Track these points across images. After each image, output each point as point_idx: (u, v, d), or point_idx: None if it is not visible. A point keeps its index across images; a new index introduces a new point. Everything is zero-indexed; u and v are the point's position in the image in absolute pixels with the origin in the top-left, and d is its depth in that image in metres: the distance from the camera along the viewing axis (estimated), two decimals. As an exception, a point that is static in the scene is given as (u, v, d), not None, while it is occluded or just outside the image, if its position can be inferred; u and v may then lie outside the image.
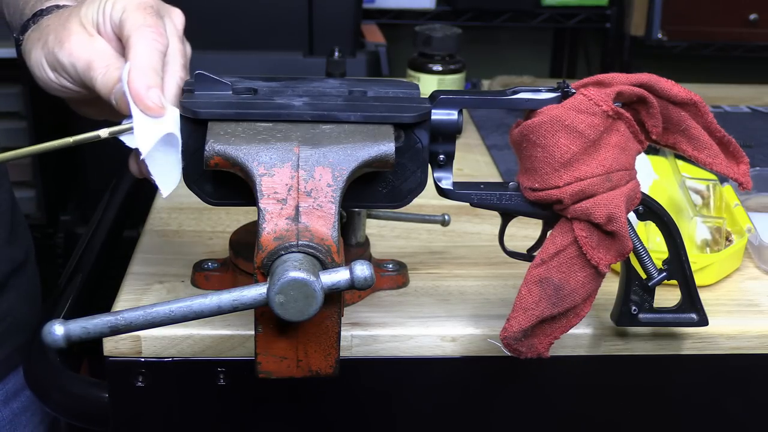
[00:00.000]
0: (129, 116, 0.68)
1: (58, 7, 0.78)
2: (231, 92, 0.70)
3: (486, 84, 1.49)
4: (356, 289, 0.59)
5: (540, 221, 0.76)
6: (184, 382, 0.79)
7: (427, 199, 0.78)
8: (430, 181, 0.73)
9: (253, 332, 0.63)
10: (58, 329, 0.58)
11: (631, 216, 0.73)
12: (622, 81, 0.71)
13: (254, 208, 0.63)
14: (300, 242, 0.60)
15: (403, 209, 0.74)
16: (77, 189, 1.85)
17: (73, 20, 0.73)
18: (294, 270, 0.57)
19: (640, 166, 0.73)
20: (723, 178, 0.93)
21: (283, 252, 0.60)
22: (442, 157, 0.73)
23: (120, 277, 0.85)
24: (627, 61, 2.15)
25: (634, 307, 0.76)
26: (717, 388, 0.85)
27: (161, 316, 0.59)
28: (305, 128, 0.67)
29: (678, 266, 0.75)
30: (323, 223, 0.61)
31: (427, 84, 1.19)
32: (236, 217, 0.96)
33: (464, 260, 0.91)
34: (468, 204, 0.74)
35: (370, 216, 0.88)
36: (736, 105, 1.46)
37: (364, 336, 0.78)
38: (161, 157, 0.68)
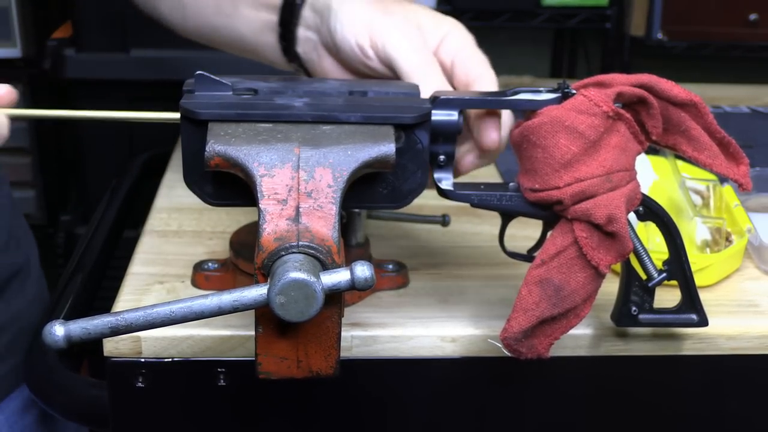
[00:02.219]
0: None
1: None
2: (231, 93, 0.70)
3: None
4: (357, 290, 0.59)
5: (540, 222, 0.76)
6: (185, 382, 0.79)
7: (427, 200, 0.78)
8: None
9: (253, 333, 0.63)
10: (58, 330, 0.58)
11: (632, 216, 0.73)
12: (623, 82, 0.71)
13: (254, 208, 0.63)
14: (300, 243, 0.60)
15: (403, 210, 0.74)
16: (77, 189, 1.85)
17: None
18: (294, 271, 0.57)
19: (640, 166, 0.73)
20: (723, 179, 0.93)
21: (283, 253, 0.60)
22: (442, 157, 0.73)
23: (120, 277, 0.85)
24: (627, 61, 2.15)
25: (634, 308, 0.76)
26: (717, 388, 0.85)
27: (162, 317, 0.59)
28: (306, 129, 0.67)
29: (678, 267, 0.75)
30: (324, 224, 0.61)
31: (427, 84, 1.19)
32: (236, 217, 0.96)
33: (464, 261, 0.91)
34: (468, 204, 0.74)
35: (370, 216, 0.88)
36: (736, 105, 1.46)
37: (364, 336, 0.78)
38: None
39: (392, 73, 0.74)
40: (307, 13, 0.79)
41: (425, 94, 0.72)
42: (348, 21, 0.74)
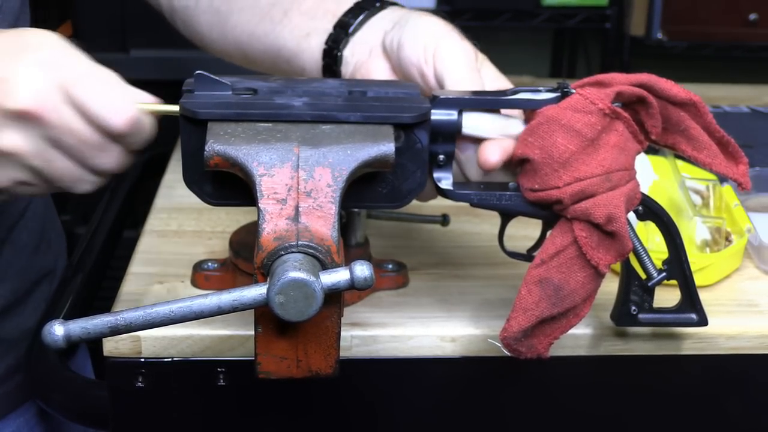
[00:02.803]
0: None
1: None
2: (231, 92, 0.70)
3: (486, 84, 1.49)
4: (356, 290, 0.59)
5: (539, 221, 0.76)
6: (184, 382, 0.79)
7: (426, 199, 0.78)
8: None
9: (252, 332, 0.63)
10: (58, 329, 0.58)
11: (631, 216, 0.73)
12: (622, 81, 0.71)
13: (254, 208, 0.63)
14: (300, 242, 0.60)
15: (402, 209, 0.74)
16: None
17: None
18: (294, 270, 0.57)
19: (639, 166, 0.73)
20: (723, 178, 0.93)
21: (283, 252, 0.60)
22: (442, 157, 0.73)
23: (120, 277, 0.85)
24: (627, 61, 2.15)
25: (633, 307, 0.76)
26: (717, 388, 0.85)
27: (161, 317, 0.59)
28: (305, 128, 0.67)
29: (678, 266, 0.75)
30: (323, 224, 0.61)
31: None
32: (236, 217, 0.96)
33: (464, 260, 0.91)
34: (468, 204, 0.74)
35: (369, 216, 0.88)
36: (736, 105, 1.46)
37: (364, 336, 0.78)
38: None
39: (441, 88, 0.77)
40: (378, 22, 0.82)
41: None
42: (422, 31, 0.77)
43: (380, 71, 0.80)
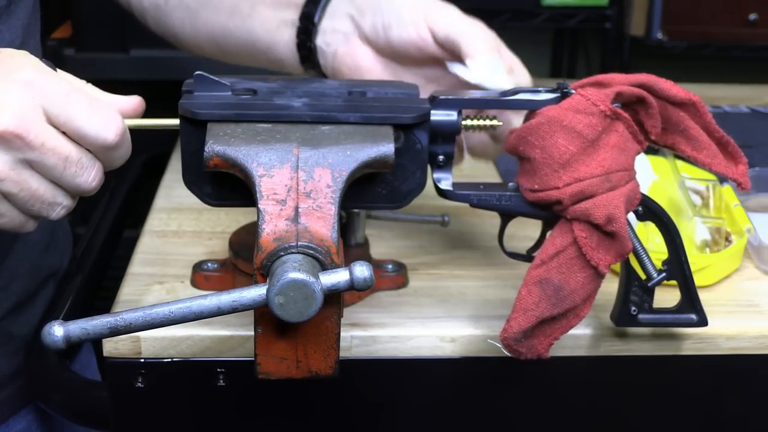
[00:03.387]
0: None
1: None
2: (230, 93, 0.70)
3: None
4: (356, 290, 0.59)
5: (539, 222, 0.76)
6: (184, 383, 0.79)
7: (426, 200, 0.78)
8: (429, 182, 0.73)
9: (252, 333, 0.63)
10: (57, 330, 0.58)
11: (631, 216, 0.73)
12: (621, 81, 0.71)
13: (254, 208, 0.63)
14: (299, 243, 0.60)
15: (402, 210, 0.74)
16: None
17: None
18: (293, 271, 0.57)
19: (639, 166, 0.74)
20: (722, 179, 0.92)
21: (282, 253, 0.60)
22: (441, 157, 0.73)
23: (120, 277, 0.85)
24: (627, 61, 2.15)
25: (633, 308, 0.76)
26: (717, 388, 0.85)
27: (161, 317, 0.59)
28: (305, 129, 0.67)
29: (677, 267, 0.75)
30: (323, 224, 0.61)
31: (427, 84, 1.18)
32: (236, 217, 0.96)
33: (464, 261, 0.91)
34: (468, 204, 0.74)
35: (369, 217, 0.88)
36: (735, 105, 1.46)
37: (364, 337, 0.78)
38: None
39: (450, 56, 0.78)
40: (339, 7, 0.83)
41: (499, 73, 0.76)
42: (405, 8, 0.79)
43: (365, 58, 0.81)
